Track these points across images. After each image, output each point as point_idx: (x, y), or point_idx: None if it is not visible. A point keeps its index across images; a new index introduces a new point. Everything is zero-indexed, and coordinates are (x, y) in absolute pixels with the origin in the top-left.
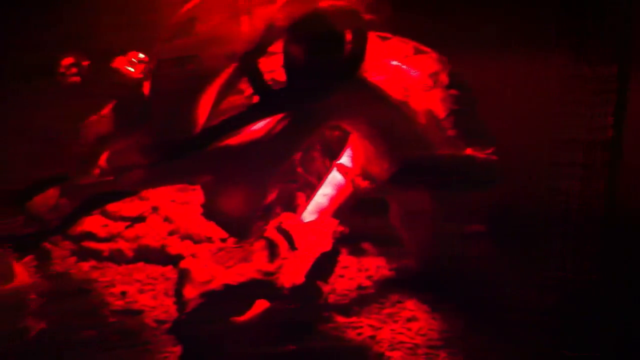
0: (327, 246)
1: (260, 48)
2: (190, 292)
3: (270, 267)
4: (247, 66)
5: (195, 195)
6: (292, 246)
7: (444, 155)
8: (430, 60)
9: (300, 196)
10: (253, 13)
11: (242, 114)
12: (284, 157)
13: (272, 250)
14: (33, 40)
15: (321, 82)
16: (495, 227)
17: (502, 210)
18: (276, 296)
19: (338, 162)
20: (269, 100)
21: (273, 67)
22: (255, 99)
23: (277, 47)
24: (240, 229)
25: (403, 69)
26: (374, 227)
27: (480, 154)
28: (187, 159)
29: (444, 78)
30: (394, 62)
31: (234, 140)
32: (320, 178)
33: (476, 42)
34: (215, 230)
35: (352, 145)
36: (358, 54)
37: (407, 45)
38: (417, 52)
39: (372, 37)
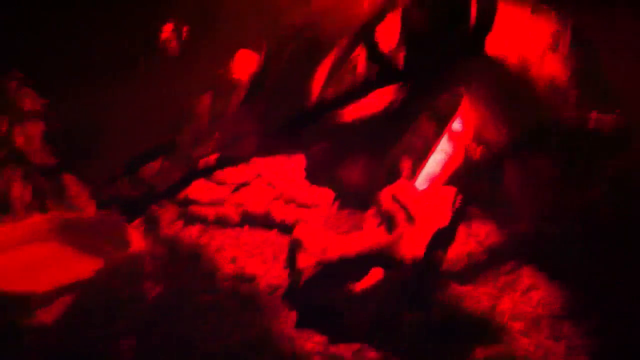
0: (446, 218)
1: (378, 16)
2: (305, 261)
3: (388, 239)
4: (365, 36)
5: (297, 160)
6: (409, 218)
7: (568, 119)
8: (550, 19)
9: (406, 160)
10: None
11: (361, 84)
12: (403, 128)
13: (389, 221)
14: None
15: (444, 55)
16: (617, 195)
17: (626, 176)
18: (394, 267)
19: (451, 128)
20: (388, 71)
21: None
22: (374, 69)
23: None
24: (359, 198)
25: (521, 29)
26: (480, 189)
27: (606, 117)
28: (304, 128)
29: (566, 37)
30: (512, 22)
31: (350, 113)
32: (428, 142)
33: None
34: (321, 195)
35: (464, 111)
36: (485, 24)
37: (525, 4)
38: (536, 9)
39: None
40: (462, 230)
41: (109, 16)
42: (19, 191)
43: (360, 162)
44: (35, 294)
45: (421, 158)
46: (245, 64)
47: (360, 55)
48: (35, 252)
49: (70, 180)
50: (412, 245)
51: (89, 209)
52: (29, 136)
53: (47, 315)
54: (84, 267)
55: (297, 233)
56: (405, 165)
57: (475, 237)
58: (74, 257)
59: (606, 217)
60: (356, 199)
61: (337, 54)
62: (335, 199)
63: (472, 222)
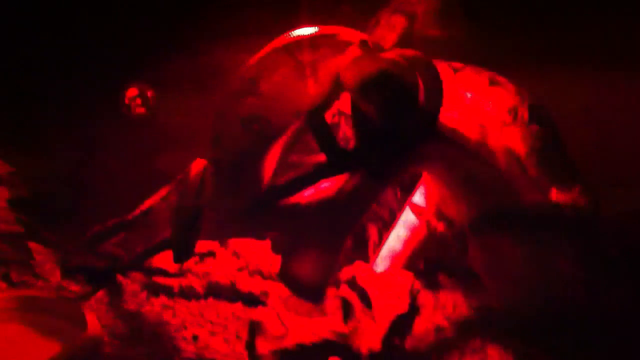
0: (404, 306)
1: (325, 104)
2: (263, 347)
3: (345, 329)
4: (313, 123)
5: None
6: (367, 305)
7: (529, 203)
8: (507, 93)
9: (372, 228)
10: (317, 68)
11: (310, 172)
12: (358, 215)
13: (347, 309)
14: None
15: (395, 140)
16: (590, 272)
17: (597, 252)
18: (352, 359)
19: (412, 200)
20: (338, 159)
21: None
22: (323, 157)
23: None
24: (313, 293)
25: (478, 104)
26: (449, 258)
27: (567, 195)
28: (254, 218)
29: (524, 112)
30: (468, 95)
31: (304, 198)
32: (392, 212)
33: (559, 61)
34: None
35: (425, 183)
36: (434, 109)
37: (481, 76)
38: (493, 83)
39: (444, 68)
40: (428, 301)
41: (73, 79)
42: None
43: (313, 256)
44: None
45: (385, 227)
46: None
47: (310, 143)
48: None
49: (35, 248)
50: (368, 335)
51: (54, 278)
52: None
53: None
54: (42, 351)
55: (257, 315)
56: (371, 233)
57: (443, 309)
58: (31, 340)
59: (575, 294)
60: (310, 293)
61: (286, 142)
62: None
63: (440, 291)
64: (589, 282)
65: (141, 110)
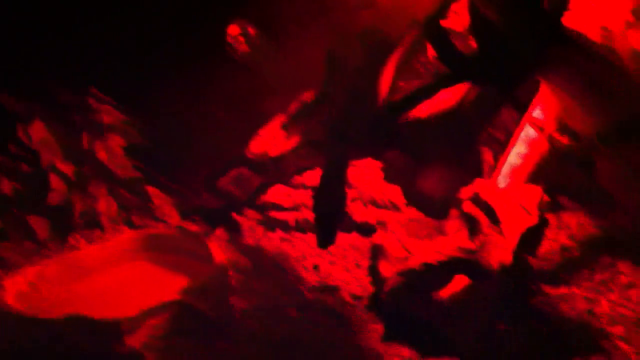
0: (533, 218)
1: (443, 10)
2: (387, 270)
3: (472, 245)
4: (431, 32)
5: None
6: (494, 221)
7: None
8: None
9: (486, 152)
10: None
11: (429, 84)
12: (480, 126)
13: (472, 225)
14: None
15: (520, 44)
16: None
17: None
18: (481, 275)
19: (531, 116)
20: (459, 68)
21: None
22: (442, 66)
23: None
24: (438, 207)
25: (600, 6)
26: (571, 178)
27: None
28: (374, 136)
29: None
30: None
31: (423, 111)
32: (508, 132)
33: None
34: (399, 195)
35: (545, 96)
36: (559, 10)
37: None
38: None
39: None
40: (551, 222)
41: (177, 26)
42: (105, 206)
43: (436, 164)
44: (124, 319)
45: (502, 149)
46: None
47: (427, 52)
48: (122, 272)
49: (153, 193)
50: (498, 250)
51: (173, 220)
52: (111, 151)
53: (136, 340)
54: (169, 286)
55: (378, 239)
56: (486, 158)
57: (567, 230)
58: (160, 275)
59: None
60: (435, 207)
61: (403, 53)
62: (414, 203)
63: (563, 213)
64: None
65: (244, 48)
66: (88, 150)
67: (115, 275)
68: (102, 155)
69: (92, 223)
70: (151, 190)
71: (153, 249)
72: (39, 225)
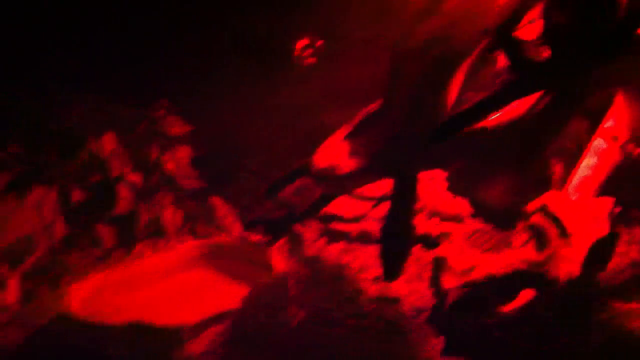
0: (604, 230)
1: (515, 17)
2: (450, 282)
3: (539, 257)
4: (503, 39)
5: (439, 171)
6: (563, 232)
7: None
8: None
9: (555, 164)
10: None
11: (499, 94)
12: (548, 138)
13: (540, 237)
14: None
15: (592, 52)
16: None
17: None
18: (547, 288)
19: (603, 126)
20: (531, 76)
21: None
22: (514, 75)
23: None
24: (505, 218)
25: None
26: None
27: None
28: (439, 145)
29: None
30: None
31: (490, 122)
32: (580, 143)
33: None
34: (463, 207)
35: (619, 106)
36: (636, 12)
37: None
38: None
39: None
40: (622, 237)
41: (245, 37)
42: (171, 215)
43: (504, 174)
44: (185, 326)
45: (573, 160)
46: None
47: (498, 61)
48: (185, 280)
49: (217, 203)
50: (566, 262)
51: (235, 230)
52: (178, 161)
53: (196, 347)
54: (231, 294)
55: (440, 251)
56: (556, 169)
57: (638, 245)
58: (221, 284)
59: None
60: (502, 217)
61: (471, 63)
62: (480, 214)
63: (634, 227)
64: None
65: (312, 60)
66: (156, 160)
67: (177, 283)
68: (170, 165)
69: (157, 232)
70: (215, 200)
71: (215, 257)
72: (106, 234)
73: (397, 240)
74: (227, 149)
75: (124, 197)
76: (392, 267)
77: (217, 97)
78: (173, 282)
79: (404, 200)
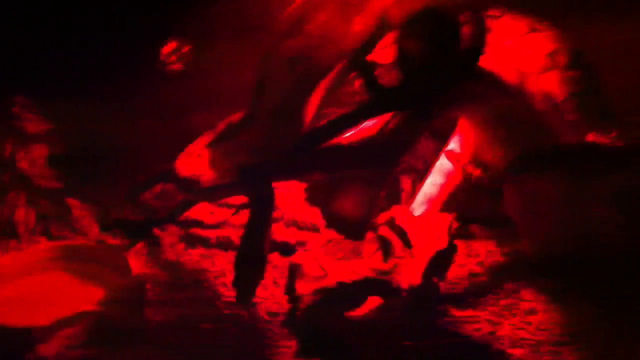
0: (443, 243)
1: (370, 43)
2: (304, 288)
3: (385, 266)
4: (357, 63)
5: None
6: (406, 244)
7: (566, 144)
8: (546, 39)
9: (405, 180)
10: (364, 8)
11: (353, 112)
12: (399, 154)
13: (386, 248)
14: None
15: (438, 78)
16: (622, 213)
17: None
18: (391, 295)
19: (447, 148)
20: (382, 98)
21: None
22: (368, 95)
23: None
24: (355, 230)
25: (517, 50)
26: (482, 208)
27: (604, 139)
28: (296, 158)
29: (562, 57)
30: (507, 43)
31: (345, 138)
32: (426, 163)
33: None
34: (319, 217)
35: (461, 130)
36: (477, 46)
37: (521, 23)
38: (532, 30)
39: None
40: (462, 250)
41: (110, 38)
42: (23, 216)
43: (357, 188)
44: (37, 328)
45: (420, 178)
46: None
47: (353, 83)
48: (38, 282)
49: (74, 204)
50: (408, 272)
51: (92, 233)
52: (33, 160)
53: (49, 349)
54: (86, 296)
55: (296, 258)
56: (405, 186)
57: (476, 258)
58: (76, 286)
59: (608, 238)
60: (352, 229)
61: (329, 83)
62: (333, 225)
63: (472, 241)
64: (623, 223)
65: (177, 66)
66: (9, 158)
67: (30, 285)
68: (23, 164)
69: (9, 232)
70: (71, 201)
71: (70, 259)
72: None
73: (250, 267)
74: (86, 149)
75: None
76: (245, 292)
77: (78, 96)
78: (25, 284)
79: (259, 222)
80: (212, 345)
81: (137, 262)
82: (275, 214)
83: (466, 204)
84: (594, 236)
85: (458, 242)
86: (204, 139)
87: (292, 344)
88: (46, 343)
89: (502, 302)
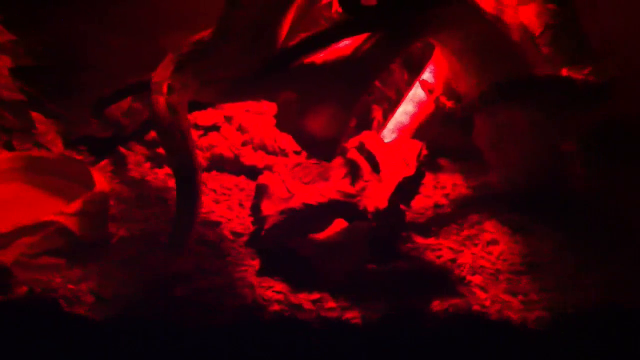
0: (411, 170)
1: None
2: (269, 208)
3: (352, 189)
4: None
5: (269, 105)
6: (375, 169)
7: (539, 76)
8: None
9: (376, 110)
10: None
11: (328, 30)
12: (372, 76)
13: (354, 171)
14: None
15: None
16: (589, 150)
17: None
18: (357, 218)
19: (421, 78)
20: (358, 17)
21: None
22: (344, 15)
23: None
24: (325, 150)
25: None
26: (450, 141)
27: (577, 74)
28: (269, 78)
29: None
30: None
31: (319, 58)
32: (399, 92)
33: None
34: (289, 143)
35: (436, 61)
36: None
37: None
38: None
39: None
40: (429, 182)
41: None
42: None
43: (327, 112)
44: None
45: (392, 108)
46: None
47: (332, 7)
48: None
49: (38, 118)
50: (375, 196)
51: (56, 148)
52: None
53: (5, 256)
54: (47, 208)
55: (263, 179)
56: (376, 115)
57: (442, 190)
58: (39, 198)
59: (576, 172)
60: (322, 150)
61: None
62: (301, 146)
63: (440, 174)
64: (589, 159)
65: None
66: None
67: None
68: None
69: None
70: (35, 115)
71: (32, 171)
72: None
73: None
74: (53, 62)
75: None
76: (177, 242)
77: (47, 7)
78: None
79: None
80: (175, 261)
81: (101, 179)
82: (245, 137)
83: (435, 136)
84: (559, 171)
85: (427, 175)
86: (172, 57)
87: (255, 263)
88: (4, 249)
89: (465, 232)
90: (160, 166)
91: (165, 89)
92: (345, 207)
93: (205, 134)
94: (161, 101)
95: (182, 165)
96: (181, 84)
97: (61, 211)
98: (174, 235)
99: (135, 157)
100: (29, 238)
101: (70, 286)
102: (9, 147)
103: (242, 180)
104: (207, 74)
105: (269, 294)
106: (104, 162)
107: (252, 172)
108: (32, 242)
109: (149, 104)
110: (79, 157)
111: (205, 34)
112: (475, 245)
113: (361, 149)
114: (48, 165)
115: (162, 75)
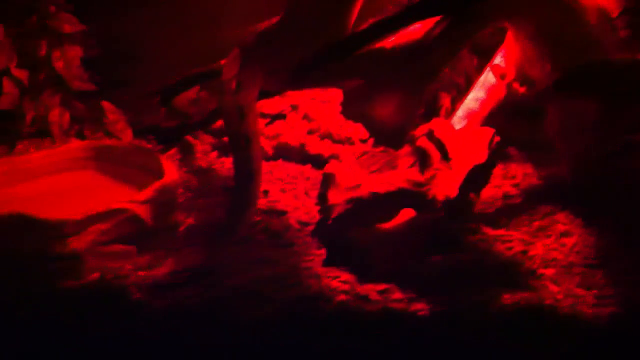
0: (482, 158)
1: None
2: (336, 197)
3: (421, 178)
4: None
5: (335, 93)
6: (445, 157)
7: (616, 61)
8: None
9: (445, 97)
10: None
11: (399, 14)
12: (443, 62)
13: (423, 159)
14: None
15: None
16: None
17: None
18: (426, 208)
19: (493, 63)
20: (429, 0)
21: None
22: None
23: None
24: (393, 137)
25: None
26: (520, 129)
27: None
28: (337, 63)
29: None
30: None
31: (388, 43)
32: (468, 78)
33: None
34: (355, 131)
35: (508, 45)
36: None
37: None
38: None
39: None
40: (498, 171)
41: None
42: (58, 116)
43: (396, 98)
44: (68, 222)
45: (461, 94)
46: None
47: None
48: (70, 179)
49: (108, 108)
50: (445, 185)
51: (126, 137)
52: (68, 61)
53: (80, 242)
54: (117, 196)
55: (329, 168)
56: (445, 102)
57: (512, 179)
58: (110, 186)
59: None
60: (391, 136)
61: None
62: (370, 136)
63: (510, 163)
64: None
65: None
66: (45, 57)
67: (62, 181)
68: (59, 64)
69: (43, 132)
70: (106, 105)
71: (103, 159)
72: None
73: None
74: (120, 53)
75: (9, 93)
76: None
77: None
78: (58, 180)
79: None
80: (241, 249)
81: (170, 167)
82: (311, 126)
83: (508, 124)
84: (634, 162)
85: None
86: (238, 51)
87: (321, 253)
88: (77, 236)
89: (536, 223)
90: (226, 155)
91: (234, 85)
92: (414, 196)
93: (271, 122)
94: (230, 104)
95: (242, 168)
96: (249, 77)
97: (132, 199)
98: (225, 228)
99: (202, 146)
100: (101, 225)
101: (141, 273)
102: (81, 136)
103: (308, 168)
104: (273, 63)
105: (335, 283)
106: (172, 151)
107: (318, 161)
108: (103, 229)
109: (219, 103)
110: (148, 146)
111: (271, 23)
112: (548, 236)
113: (430, 136)
114: (118, 154)
115: (230, 71)
